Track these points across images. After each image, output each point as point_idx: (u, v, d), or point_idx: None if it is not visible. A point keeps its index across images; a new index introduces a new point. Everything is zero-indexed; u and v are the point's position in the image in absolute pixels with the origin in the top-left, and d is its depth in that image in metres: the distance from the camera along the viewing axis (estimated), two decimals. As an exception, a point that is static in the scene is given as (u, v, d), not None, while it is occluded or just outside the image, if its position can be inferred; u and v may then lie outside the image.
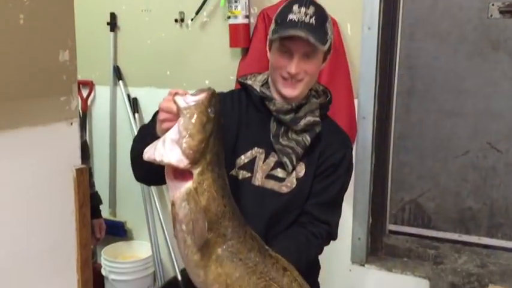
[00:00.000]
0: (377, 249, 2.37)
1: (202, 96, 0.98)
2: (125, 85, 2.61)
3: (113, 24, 2.58)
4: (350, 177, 1.37)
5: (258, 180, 1.27)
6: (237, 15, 2.24)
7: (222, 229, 0.98)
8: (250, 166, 1.27)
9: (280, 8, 1.34)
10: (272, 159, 1.29)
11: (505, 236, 2.29)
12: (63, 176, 1.42)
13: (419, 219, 2.43)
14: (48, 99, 1.35)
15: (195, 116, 0.96)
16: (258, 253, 1.03)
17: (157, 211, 2.53)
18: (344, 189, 1.35)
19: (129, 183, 2.67)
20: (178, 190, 0.98)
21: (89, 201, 1.54)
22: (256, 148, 1.29)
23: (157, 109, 1.28)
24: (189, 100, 0.98)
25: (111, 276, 2.46)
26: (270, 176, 1.28)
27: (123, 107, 2.61)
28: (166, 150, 0.95)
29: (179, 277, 2.38)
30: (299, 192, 1.28)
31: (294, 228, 1.30)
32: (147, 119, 2.62)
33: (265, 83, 1.33)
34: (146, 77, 2.59)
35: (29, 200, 1.32)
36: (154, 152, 0.95)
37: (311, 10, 1.23)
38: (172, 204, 0.99)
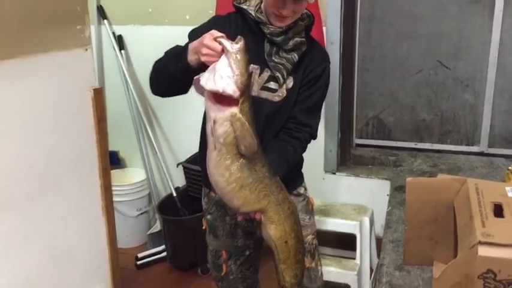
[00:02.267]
0: (346, 159, 2.72)
1: (242, 43, 1.24)
2: (110, 24, 2.78)
3: (93, -36, 2.71)
4: (328, 86, 1.61)
5: (254, 91, 1.49)
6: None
7: (254, 142, 1.29)
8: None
9: None
10: (266, 74, 1.50)
11: (453, 141, 2.68)
12: (83, 94, 1.67)
13: (381, 132, 2.79)
14: (67, 28, 1.58)
15: (242, 59, 1.23)
16: (268, 170, 1.35)
17: (150, 138, 2.78)
18: (324, 96, 1.61)
19: (120, 116, 2.91)
20: (221, 112, 1.26)
21: (106, 117, 1.80)
22: (252, 65, 1.46)
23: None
24: (234, 46, 1.23)
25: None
26: (264, 88, 1.51)
27: (109, 44, 2.79)
28: (224, 83, 1.22)
29: (174, 194, 2.71)
30: (288, 101, 1.53)
31: (282, 136, 1.55)
32: (133, 54, 2.83)
33: (258, 9, 1.50)
34: (129, 14, 2.75)
35: (56, 114, 1.57)
36: (215, 84, 1.22)
37: None
38: (214, 122, 1.27)
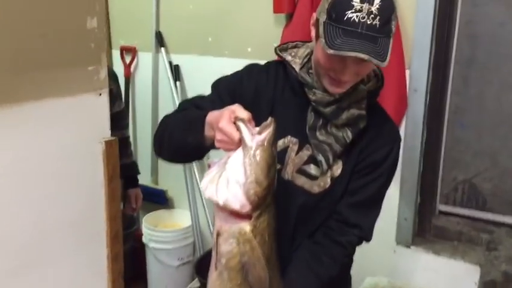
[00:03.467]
0: (425, 230, 2.23)
1: (267, 134, 0.89)
2: (167, 52, 2.56)
3: (156, -11, 2.50)
4: (393, 174, 1.20)
5: (288, 174, 1.14)
6: (282, -22, 2.10)
7: (266, 276, 0.95)
8: (280, 156, 1.12)
9: None
10: (306, 152, 1.13)
11: None
12: (92, 148, 1.39)
13: (473, 201, 2.26)
14: (76, 69, 1.30)
15: (263, 159, 0.88)
16: None
17: (197, 181, 2.49)
18: (385, 187, 1.19)
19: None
20: (229, 224, 0.93)
21: (119, 175, 1.51)
22: (289, 137, 1.14)
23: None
24: (256, 139, 0.89)
25: (151, 244, 2.48)
26: (301, 171, 1.14)
27: (165, 74, 2.56)
28: (231, 194, 0.89)
29: (217, 249, 2.38)
30: (333, 192, 1.14)
31: (319, 239, 1.17)
32: (189, 86, 2.58)
33: (306, 62, 1.13)
34: (188, 43, 2.52)
35: (57, 171, 1.29)
36: (216, 193, 0.90)
37: (376, 5, 0.97)
38: (218, 234, 0.94)
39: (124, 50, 2.67)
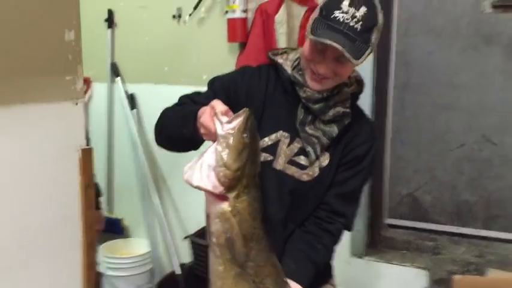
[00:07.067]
0: (375, 242, 2.38)
1: (237, 122, 1.00)
2: (123, 81, 2.61)
3: (110, 21, 2.59)
4: (374, 169, 1.33)
5: (279, 165, 1.25)
6: (235, 9, 2.26)
7: (247, 249, 1.02)
8: (273, 149, 1.24)
9: None
10: (296, 145, 1.25)
11: (502, 228, 2.32)
12: (68, 155, 1.42)
13: (417, 213, 2.45)
14: (54, 78, 1.36)
15: (231, 145, 0.98)
16: (274, 282, 1.07)
17: (157, 206, 2.52)
18: (366, 180, 1.33)
19: (126, 180, 2.67)
20: (213, 206, 1.02)
21: (94, 184, 1.54)
22: (281, 132, 1.25)
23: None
24: (226, 128, 1.00)
25: (109, 272, 2.44)
26: (292, 162, 1.25)
27: (121, 103, 2.61)
28: (203, 177, 0.99)
29: (179, 271, 2.39)
30: (320, 181, 1.26)
31: (311, 229, 1.28)
32: (145, 115, 2.64)
33: (297, 65, 1.25)
34: (144, 73, 2.59)
35: (33, 178, 1.32)
36: (192, 176, 1.00)
37: (361, 12, 1.11)
38: (207, 217, 1.04)
39: (77, 81, 2.70)
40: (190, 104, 1.25)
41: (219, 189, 0.97)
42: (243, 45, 2.32)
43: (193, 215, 2.55)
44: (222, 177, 0.97)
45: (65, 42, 1.36)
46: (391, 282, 2.22)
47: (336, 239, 1.30)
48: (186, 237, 2.42)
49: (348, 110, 1.24)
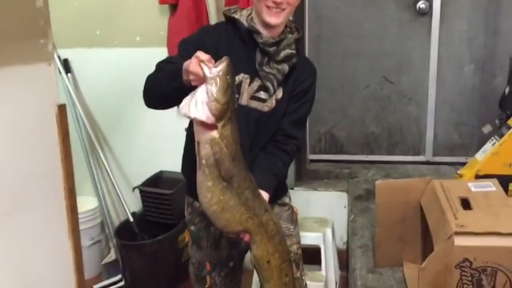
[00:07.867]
0: (302, 174, 2.77)
1: (222, 67, 1.24)
2: (55, 47, 2.68)
3: (36, -13, 2.62)
4: (314, 100, 1.64)
5: (244, 101, 1.49)
6: (165, -28, 2.42)
7: (233, 167, 1.29)
8: (237, 89, 1.47)
9: None
10: (256, 83, 1.50)
11: (401, 152, 2.82)
12: (46, 111, 1.58)
13: (334, 147, 2.88)
14: (29, 42, 1.50)
15: (219, 84, 1.23)
16: (251, 192, 1.35)
17: (102, 164, 2.68)
18: (310, 109, 1.65)
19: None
20: (203, 135, 1.26)
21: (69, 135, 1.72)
22: (242, 74, 1.49)
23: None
24: (213, 71, 1.23)
25: (63, 228, 2.59)
26: (254, 98, 1.50)
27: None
28: (199, 110, 1.22)
29: (131, 219, 2.62)
30: (277, 111, 1.54)
31: (271, 150, 1.56)
32: (80, 78, 2.75)
33: (251, 19, 1.51)
34: (76, 37, 2.67)
35: (16, 133, 1.47)
36: (189, 110, 1.23)
37: None
38: (198, 144, 1.28)
39: (5, 49, 2.72)
40: (170, 65, 1.46)
41: (212, 119, 1.23)
42: (173, 7, 2.50)
43: (137, 168, 2.76)
44: (213, 110, 1.22)
45: (36, 8, 1.49)
46: (319, 205, 2.62)
47: (291, 157, 1.60)
48: (135, 188, 2.64)
49: (294, 52, 1.53)
